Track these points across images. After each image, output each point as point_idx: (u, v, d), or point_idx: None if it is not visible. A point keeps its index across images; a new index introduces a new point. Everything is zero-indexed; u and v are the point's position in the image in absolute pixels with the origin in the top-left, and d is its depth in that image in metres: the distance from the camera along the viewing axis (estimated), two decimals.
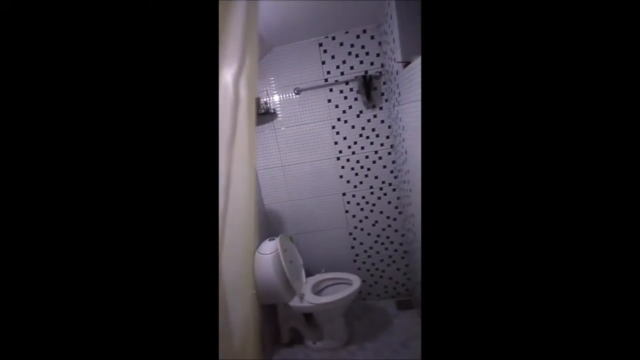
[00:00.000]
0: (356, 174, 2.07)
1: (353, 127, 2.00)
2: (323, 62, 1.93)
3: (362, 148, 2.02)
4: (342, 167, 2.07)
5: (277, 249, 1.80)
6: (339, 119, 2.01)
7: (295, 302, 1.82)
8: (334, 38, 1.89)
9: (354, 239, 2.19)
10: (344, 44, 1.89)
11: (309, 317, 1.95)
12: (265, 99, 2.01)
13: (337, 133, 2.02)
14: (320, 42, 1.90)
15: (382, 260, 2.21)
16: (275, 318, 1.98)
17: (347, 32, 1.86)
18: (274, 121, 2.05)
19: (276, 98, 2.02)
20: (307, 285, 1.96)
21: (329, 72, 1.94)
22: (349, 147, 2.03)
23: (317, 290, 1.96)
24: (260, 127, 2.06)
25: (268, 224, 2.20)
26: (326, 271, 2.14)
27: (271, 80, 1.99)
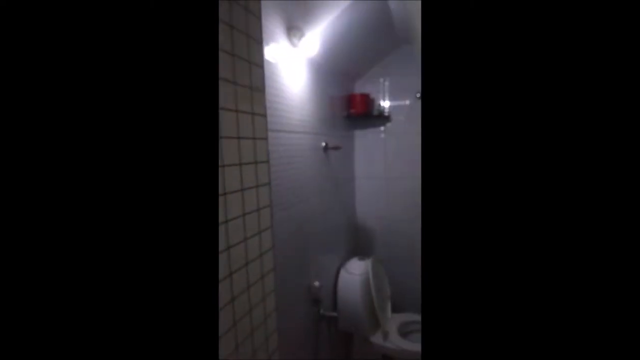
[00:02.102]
0: None
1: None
2: None
3: None
4: None
5: (367, 272, 1.54)
6: None
7: (377, 339, 1.53)
8: None
9: None
10: None
11: (388, 359, 1.63)
12: (380, 101, 1.80)
13: None
14: None
15: None
16: (350, 349, 1.72)
17: None
18: (385, 127, 1.82)
19: (392, 102, 1.79)
20: (392, 322, 1.64)
21: None
22: None
23: (404, 333, 1.63)
24: (367, 130, 1.86)
25: (358, 240, 1.97)
26: (416, 311, 1.77)
27: (391, 81, 1.77)
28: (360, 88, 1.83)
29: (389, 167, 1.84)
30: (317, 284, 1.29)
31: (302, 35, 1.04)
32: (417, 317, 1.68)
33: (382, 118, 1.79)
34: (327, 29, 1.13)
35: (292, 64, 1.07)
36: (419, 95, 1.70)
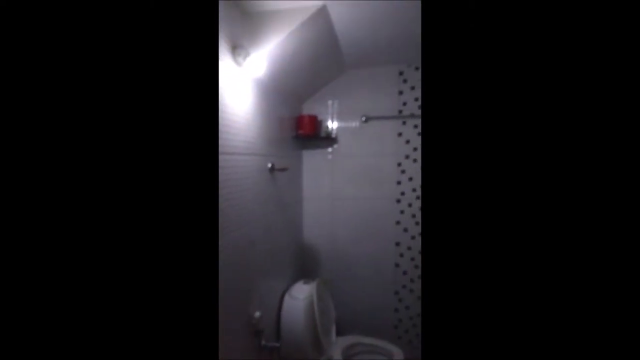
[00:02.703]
0: (417, 223, 1.76)
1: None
2: (400, 92, 1.72)
3: None
4: (401, 212, 1.78)
5: (311, 295, 1.50)
6: (407, 157, 1.75)
7: None
8: (417, 68, 1.69)
9: (400, 300, 1.83)
10: None
11: None
12: (327, 123, 1.82)
13: (403, 172, 1.76)
14: (401, 70, 1.71)
15: None
16: None
17: None
18: (333, 147, 1.84)
19: (339, 124, 1.83)
20: (337, 346, 1.62)
21: (404, 104, 1.72)
22: (414, 190, 1.75)
23: (348, 355, 1.61)
24: (315, 151, 1.86)
25: (304, 262, 1.93)
26: (361, 333, 1.78)
27: (338, 104, 1.81)
28: (308, 109, 1.84)
29: (336, 188, 1.86)
30: (257, 314, 1.21)
31: (247, 54, 1.00)
32: (362, 339, 1.68)
33: (329, 139, 1.81)
34: (274, 49, 1.10)
35: (237, 83, 1.02)
36: (364, 118, 1.76)
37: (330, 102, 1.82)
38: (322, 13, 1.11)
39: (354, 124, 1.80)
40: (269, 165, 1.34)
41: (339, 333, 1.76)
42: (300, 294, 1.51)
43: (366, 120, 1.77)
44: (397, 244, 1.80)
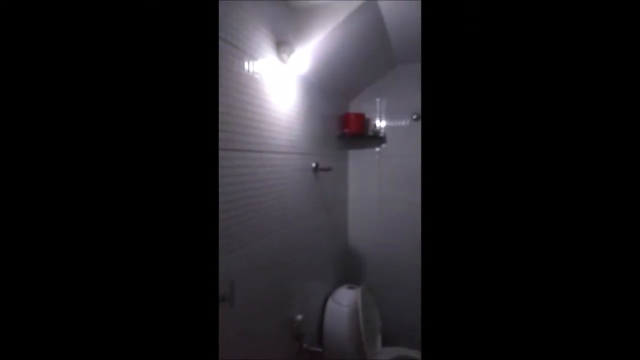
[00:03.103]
0: None
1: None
2: None
3: None
4: None
5: (356, 302, 1.43)
6: None
7: None
8: None
9: None
10: None
11: None
12: (375, 122, 1.74)
13: None
14: None
15: None
16: None
17: None
18: (380, 147, 1.75)
19: (388, 122, 1.73)
20: (382, 356, 1.52)
21: None
22: None
23: None
24: (361, 151, 1.79)
25: (349, 266, 1.86)
26: (407, 346, 1.65)
27: (387, 101, 1.72)
28: (355, 107, 1.77)
29: (383, 190, 1.76)
30: (299, 317, 1.18)
31: (292, 51, 0.98)
32: (410, 352, 1.55)
33: (377, 139, 1.73)
34: (319, 45, 1.07)
35: (281, 80, 1.01)
36: (415, 116, 1.65)
37: (378, 99, 1.74)
38: (369, 6, 1.04)
39: (404, 122, 1.69)
40: (313, 164, 1.31)
41: (385, 344, 1.66)
42: (345, 300, 1.45)
43: (417, 119, 1.65)
44: None
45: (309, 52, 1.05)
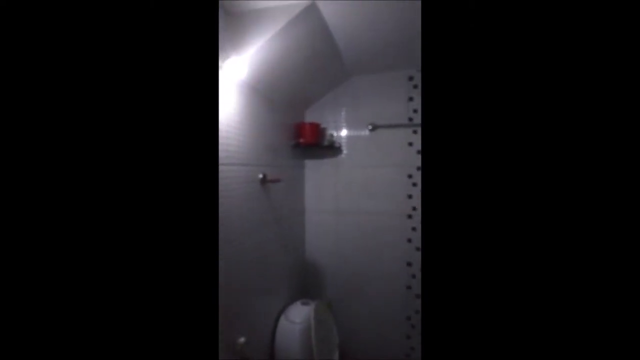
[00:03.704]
0: None
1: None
2: (410, 99, 1.59)
3: None
4: (413, 229, 1.60)
5: (309, 319, 1.37)
6: (419, 168, 1.59)
7: None
8: None
9: (412, 326, 1.63)
10: None
11: None
12: (332, 132, 1.72)
13: (414, 184, 1.60)
14: (411, 75, 1.58)
15: None
16: None
17: None
18: (337, 157, 1.73)
19: (345, 132, 1.71)
20: None
21: (415, 111, 1.58)
22: None
23: None
24: (318, 161, 1.76)
25: (306, 280, 1.80)
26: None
27: (343, 111, 1.71)
28: (311, 117, 1.75)
29: (341, 201, 1.73)
30: (242, 340, 1.10)
31: (226, 56, 0.93)
32: None
33: (333, 149, 1.70)
34: (260, 51, 1.03)
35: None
36: (371, 127, 1.64)
37: (334, 109, 1.72)
38: (311, 12, 1.02)
39: (361, 132, 1.68)
40: (260, 176, 1.25)
41: (344, 359, 1.60)
42: (298, 317, 1.38)
43: (373, 129, 1.64)
44: (409, 264, 1.62)
45: (245, 58, 1.00)
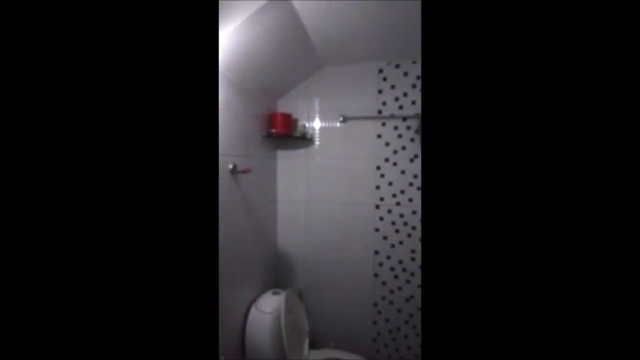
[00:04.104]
0: (396, 231, 1.65)
1: (403, 172, 1.62)
2: (380, 91, 1.62)
3: (410, 200, 1.62)
4: (381, 219, 1.67)
5: (279, 309, 1.39)
6: (387, 160, 1.64)
7: None
8: (397, 66, 1.59)
9: (379, 312, 1.71)
10: (408, 74, 1.58)
11: None
12: (304, 122, 1.72)
13: (382, 176, 1.65)
14: (380, 67, 1.61)
15: (409, 349, 1.68)
16: None
17: (414, 62, 1.56)
18: (308, 148, 1.74)
19: (316, 124, 1.72)
20: (309, 358, 1.50)
21: (384, 104, 1.62)
22: (394, 195, 1.64)
23: None
24: (291, 152, 1.75)
25: (277, 269, 1.81)
26: (336, 346, 1.66)
27: (315, 102, 1.71)
28: (283, 107, 1.73)
29: (312, 192, 1.75)
30: None
31: None
32: (337, 354, 1.56)
33: (305, 140, 1.71)
34: (228, 39, 1.00)
35: None
36: (342, 118, 1.66)
37: (306, 100, 1.72)
38: (280, 5, 1.00)
39: (332, 124, 1.70)
40: (230, 166, 1.23)
41: (313, 346, 1.64)
42: (268, 307, 1.40)
43: (344, 121, 1.67)
44: (376, 252, 1.69)
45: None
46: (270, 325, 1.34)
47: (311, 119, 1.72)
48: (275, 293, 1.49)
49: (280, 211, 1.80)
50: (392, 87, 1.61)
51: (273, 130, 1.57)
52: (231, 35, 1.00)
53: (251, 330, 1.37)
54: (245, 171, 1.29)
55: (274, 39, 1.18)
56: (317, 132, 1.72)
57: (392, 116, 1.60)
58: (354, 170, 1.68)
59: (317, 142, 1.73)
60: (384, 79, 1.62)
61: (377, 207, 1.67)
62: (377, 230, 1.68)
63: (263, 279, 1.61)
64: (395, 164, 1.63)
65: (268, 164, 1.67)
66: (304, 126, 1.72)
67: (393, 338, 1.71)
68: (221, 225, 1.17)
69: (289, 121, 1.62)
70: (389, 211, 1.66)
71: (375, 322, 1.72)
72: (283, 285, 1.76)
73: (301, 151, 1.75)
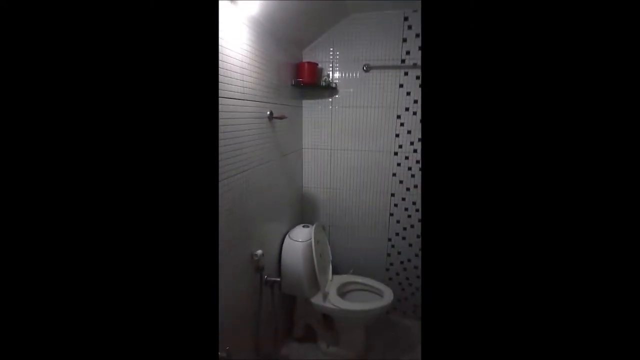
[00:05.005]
0: (412, 176, 1.81)
1: (422, 121, 1.73)
2: (404, 40, 1.66)
3: None
4: (398, 165, 1.82)
5: (310, 238, 1.62)
6: (407, 109, 1.74)
7: (317, 300, 1.65)
8: None
9: (392, 246, 1.95)
10: None
11: (327, 318, 1.78)
12: (328, 72, 1.78)
13: (402, 124, 1.76)
14: (406, 15, 1.62)
15: (418, 277, 1.96)
16: (293, 309, 1.83)
17: None
18: (333, 98, 1.83)
19: (339, 74, 1.79)
20: (332, 283, 1.78)
21: (408, 53, 1.67)
22: (411, 143, 1.77)
23: (343, 292, 1.78)
24: (315, 101, 1.85)
25: (303, 208, 2.03)
26: (354, 272, 1.94)
27: (338, 51, 1.76)
28: (308, 57, 1.78)
29: (335, 139, 1.88)
30: (259, 252, 1.32)
31: None
32: (356, 278, 1.83)
33: (329, 89, 1.79)
34: None
35: (232, 23, 1.00)
36: (365, 67, 1.72)
37: (331, 49, 1.76)
38: None
39: (355, 73, 1.76)
40: (268, 112, 1.35)
41: (335, 272, 1.92)
42: (300, 237, 1.63)
43: (367, 70, 1.73)
44: (392, 194, 1.87)
45: None
46: (302, 252, 1.58)
47: (335, 68, 1.79)
48: (305, 226, 1.71)
49: (305, 157, 1.96)
50: (417, 35, 1.64)
51: (300, 80, 1.65)
52: None
53: (286, 256, 1.62)
54: (281, 117, 1.41)
55: None
56: (341, 81, 1.80)
57: (414, 66, 1.66)
58: (375, 118, 1.79)
59: (341, 92, 1.81)
60: (409, 27, 1.64)
61: (396, 153, 1.81)
62: (394, 175, 1.84)
63: (292, 215, 1.83)
64: (415, 113, 1.73)
65: (295, 112, 1.78)
66: (328, 75, 1.78)
67: (404, 268, 1.97)
68: (260, 166, 1.33)
69: (315, 70, 1.69)
70: (406, 157, 1.80)
71: (389, 254, 1.98)
72: (308, 222, 1.99)
73: (325, 100, 1.84)
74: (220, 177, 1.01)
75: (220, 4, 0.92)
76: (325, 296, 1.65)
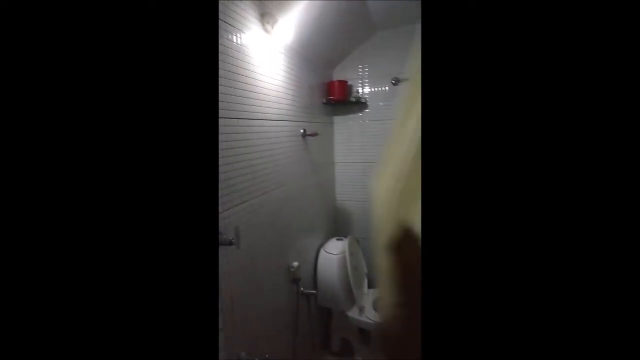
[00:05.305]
0: None
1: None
2: None
3: None
4: None
5: (344, 251, 1.63)
6: None
7: (353, 313, 1.64)
8: None
9: None
10: None
11: (364, 332, 1.75)
12: (357, 88, 1.84)
13: None
14: None
15: None
16: (329, 323, 1.84)
17: None
18: (363, 112, 1.87)
19: (369, 88, 1.83)
20: (368, 297, 1.76)
21: None
22: None
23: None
24: (346, 116, 1.90)
25: (337, 222, 2.06)
26: None
27: (367, 67, 1.80)
28: (338, 75, 1.85)
29: (367, 152, 1.91)
30: (295, 263, 1.37)
31: (275, 21, 1.05)
32: None
33: (359, 104, 1.83)
34: (300, 13, 1.14)
35: (267, 51, 1.09)
36: (394, 81, 1.75)
37: (359, 66, 1.82)
38: None
39: (385, 87, 1.80)
40: (301, 130, 1.42)
41: (370, 286, 1.90)
42: (334, 250, 1.65)
43: (396, 83, 1.75)
44: None
45: (291, 22, 1.12)
46: (337, 264, 1.60)
47: (364, 84, 1.83)
48: (339, 239, 1.73)
49: (338, 171, 2.00)
50: None
51: (331, 97, 1.72)
52: (302, 11, 1.13)
53: (321, 268, 1.64)
54: (313, 134, 1.48)
55: (336, 9, 1.29)
56: (371, 96, 1.84)
57: None
58: None
59: (371, 106, 1.85)
60: None
61: None
62: None
63: (326, 228, 1.86)
64: None
65: (327, 128, 1.84)
66: (358, 91, 1.83)
67: None
68: (294, 181, 1.40)
69: (345, 87, 1.75)
70: None
71: None
72: (341, 234, 2.01)
73: (356, 115, 1.88)
74: (257, 192, 1.08)
75: (258, 35, 1.02)
76: (361, 310, 1.64)
